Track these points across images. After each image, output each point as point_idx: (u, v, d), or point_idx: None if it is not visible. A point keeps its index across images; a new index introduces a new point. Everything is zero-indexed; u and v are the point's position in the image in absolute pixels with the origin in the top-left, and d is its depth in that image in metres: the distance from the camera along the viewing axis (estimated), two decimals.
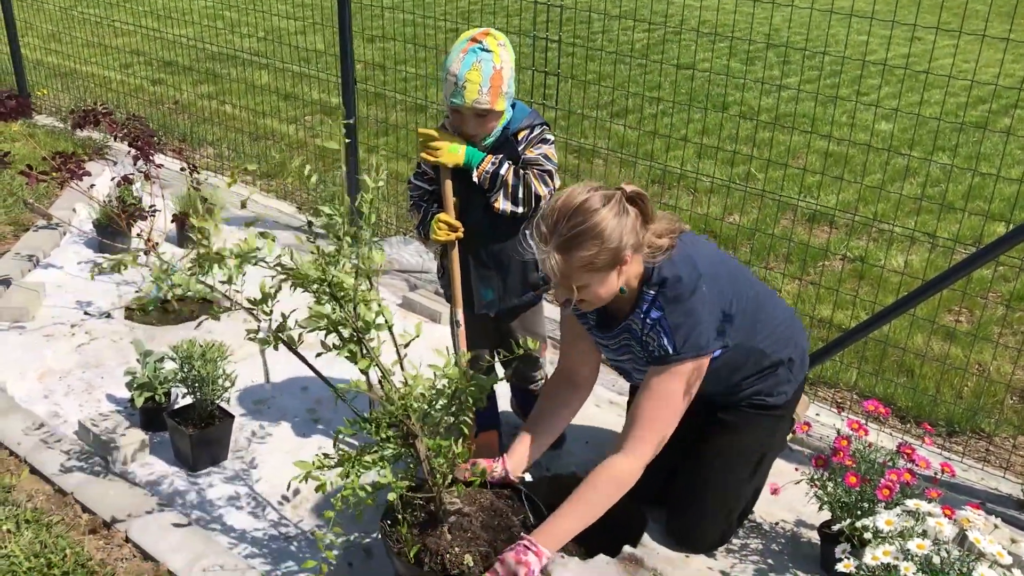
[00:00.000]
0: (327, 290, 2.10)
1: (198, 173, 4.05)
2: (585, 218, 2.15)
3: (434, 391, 2.31)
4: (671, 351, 2.28)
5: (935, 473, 2.43)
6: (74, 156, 3.82)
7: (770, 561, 2.68)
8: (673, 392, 2.32)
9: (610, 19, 9.11)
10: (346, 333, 2.15)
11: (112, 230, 4.21)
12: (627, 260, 2.23)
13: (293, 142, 6.19)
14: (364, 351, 2.13)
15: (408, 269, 4.27)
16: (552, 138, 2.79)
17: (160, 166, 4.11)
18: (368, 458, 2.14)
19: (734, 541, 2.75)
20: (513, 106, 2.77)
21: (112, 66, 7.43)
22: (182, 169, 4.12)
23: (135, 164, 3.99)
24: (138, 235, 4.04)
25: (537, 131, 2.77)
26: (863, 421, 2.52)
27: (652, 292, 2.31)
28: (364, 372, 2.17)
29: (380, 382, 2.22)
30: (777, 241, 4.71)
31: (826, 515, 2.60)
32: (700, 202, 5.43)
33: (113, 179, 4.13)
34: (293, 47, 6.35)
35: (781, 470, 3.03)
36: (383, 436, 2.18)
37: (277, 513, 2.78)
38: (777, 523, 2.84)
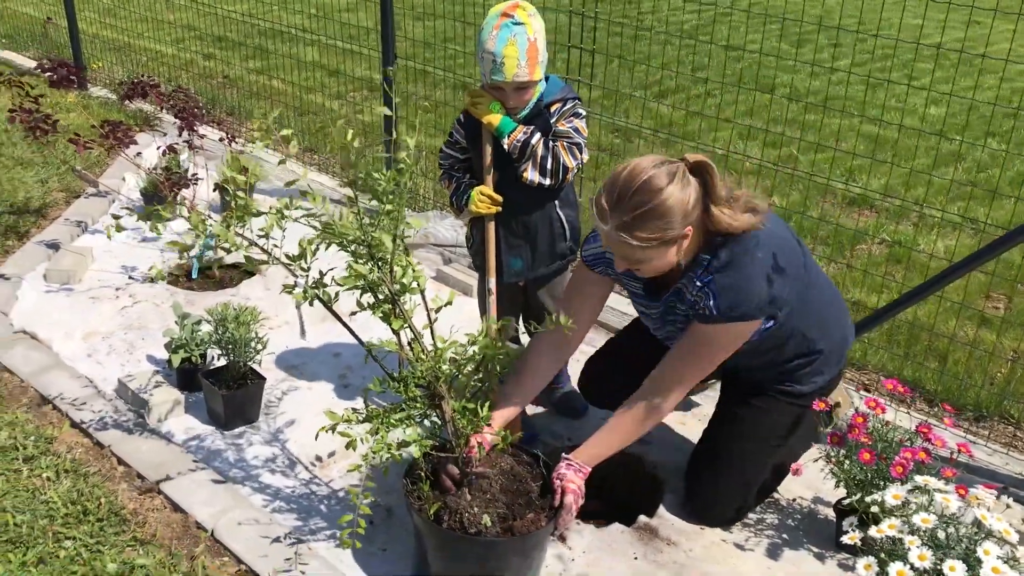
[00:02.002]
0: (365, 250, 2.16)
1: (236, 142, 4.14)
2: (650, 198, 2.12)
3: (464, 357, 2.37)
4: (716, 313, 2.29)
5: (951, 453, 2.43)
6: (121, 125, 3.94)
7: (785, 536, 2.70)
8: (709, 350, 2.38)
9: None
10: (381, 294, 2.21)
11: (158, 198, 4.33)
12: (688, 235, 2.22)
13: (337, 117, 6.27)
14: (398, 311, 2.19)
15: (443, 243, 4.33)
16: (584, 112, 2.83)
17: (203, 136, 4.22)
18: (396, 416, 2.21)
19: (750, 515, 2.78)
20: (546, 79, 2.81)
21: (165, 41, 7.58)
22: (221, 139, 4.22)
23: (180, 135, 4.10)
24: (181, 203, 4.16)
25: (569, 104, 2.80)
26: (882, 400, 2.52)
27: (708, 257, 2.31)
28: (396, 333, 2.23)
29: (410, 344, 2.29)
30: (815, 223, 4.68)
31: (843, 492, 2.61)
32: (739, 183, 5.40)
33: (158, 148, 4.25)
34: (342, 24, 6.43)
35: None
36: (411, 396, 2.24)
37: (308, 472, 2.87)
38: (795, 499, 2.85)
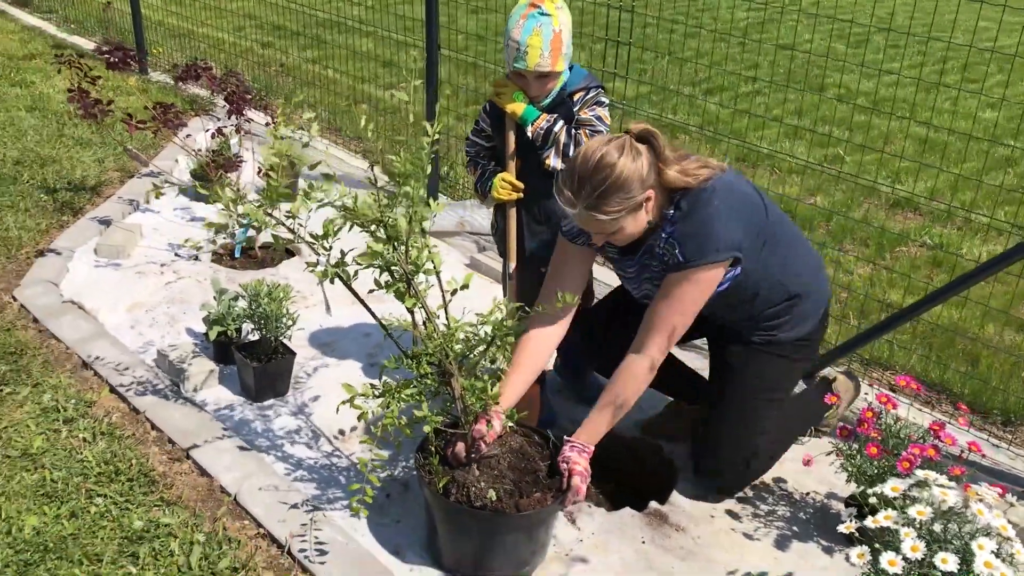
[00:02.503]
0: (382, 231, 2.24)
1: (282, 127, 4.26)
2: (607, 174, 2.27)
3: (476, 337, 2.44)
4: (682, 259, 2.41)
5: (961, 451, 2.42)
6: (173, 107, 4.09)
7: (795, 528, 2.72)
8: (684, 297, 2.45)
9: None
10: (397, 274, 2.29)
11: (207, 180, 4.47)
12: (651, 196, 2.38)
13: (387, 107, 6.39)
14: (411, 291, 2.27)
15: (479, 232, 4.40)
16: (607, 101, 2.87)
17: (251, 120, 4.35)
18: (407, 392, 2.28)
19: (761, 506, 2.80)
20: (570, 68, 2.86)
21: (226, 29, 7.78)
22: (267, 124, 4.35)
23: (229, 118, 4.24)
24: (228, 184, 4.29)
25: (592, 93, 2.85)
26: (894, 396, 2.52)
27: (671, 212, 2.44)
28: (410, 311, 2.31)
29: (424, 323, 2.36)
30: (856, 224, 4.65)
31: (855, 487, 2.62)
32: (783, 181, 5.38)
33: (206, 131, 4.39)
34: (398, 16, 6.54)
35: (815, 443, 3.05)
36: (422, 373, 2.32)
37: (330, 445, 2.97)
38: (808, 493, 2.86)
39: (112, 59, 4.22)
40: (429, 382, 2.32)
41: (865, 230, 4.61)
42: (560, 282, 2.64)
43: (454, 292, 2.38)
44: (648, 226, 2.46)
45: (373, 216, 2.21)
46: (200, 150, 4.47)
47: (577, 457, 2.40)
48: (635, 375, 2.49)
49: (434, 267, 2.32)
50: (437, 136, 2.38)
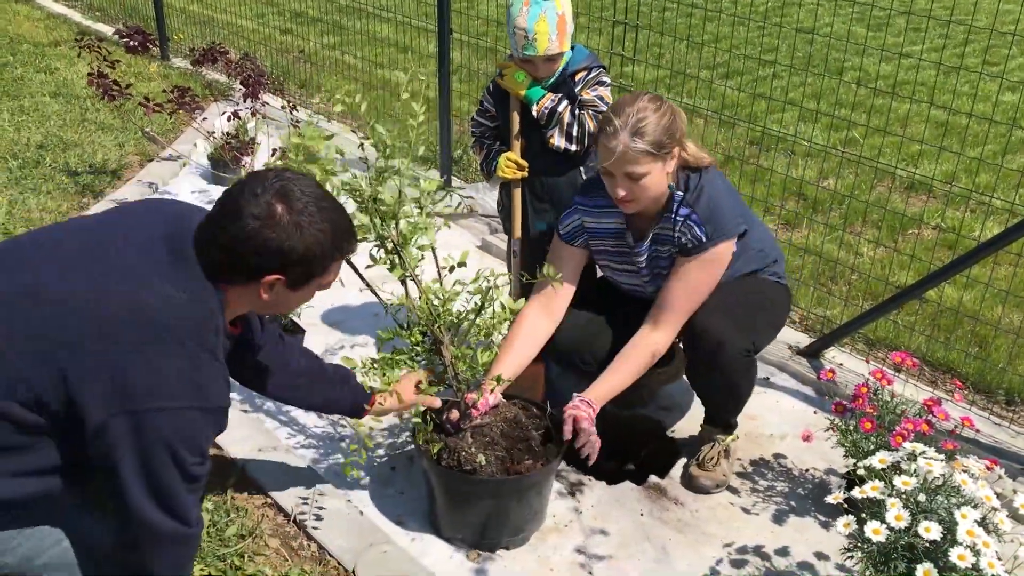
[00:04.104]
0: (372, 204, 2.31)
1: (296, 111, 4.33)
2: (655, 106, 2.42)
3: (467, 309, 2.51)
4: (705, 239, 2.51)
5: (955, 427, 2.44)
6: (190, 91, 4.16)
7: (792, 503, 2.75)
8: (703, 278, 2.57)
9: None
10: (388, 246, 2.36)
11: (224, 163, 4.56)
12: (675, 156, 2.48)
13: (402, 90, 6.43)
14: (401, 263, 2.33)
15: (491, 214, 4.44)
16: (608, 80, 2.91)
17: (266, 104, 4.42)
18: (399, 358, 2.35)
19: (760, 482, 2.83)
20: (572, 48, 2.90)
21: (246, 15, 7.86)
22: (283, 107, 4.42)
23: (244, 101, 4.31)
24: (243, 167, 4.37)
25: (594, 73, 2.89)
26: (888, 372, 2.55)
27: (681, 193, 2.53)
28: (401, 282, 2.37)
29: (419, 296, 2.43)
30: (870, 207, 4.64)
31: (852, 462, 2.65)
32: (796, 164, 5.38)
33: (223, 113, 4.47)
34: (419, 2, 6.58)
35: (814, 420, 3.09)
36: (414, 341, 2.38)
37: (337, 418, 3.03)
38: (807, 469, 2.90)
39: (131, 43, 4.30)
40: (420, 350, 2.38)
41: (878, 212, 4.60)
42: (550, 290, 2.71)
43: (451, 268, 2.45)
44: (654, 212, 2.55)
45: (364, 190, 2.28)
46: (216, 133, 4.55)
47: (584, 407, 2.46)
48: (648, 349, 2.59)
49: (429, 242, 2.38)
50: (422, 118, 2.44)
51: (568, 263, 2.74)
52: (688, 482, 2.81)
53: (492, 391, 2.47)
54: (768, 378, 3.35)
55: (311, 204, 1.85)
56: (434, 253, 2.48)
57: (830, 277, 4.04)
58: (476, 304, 2.45)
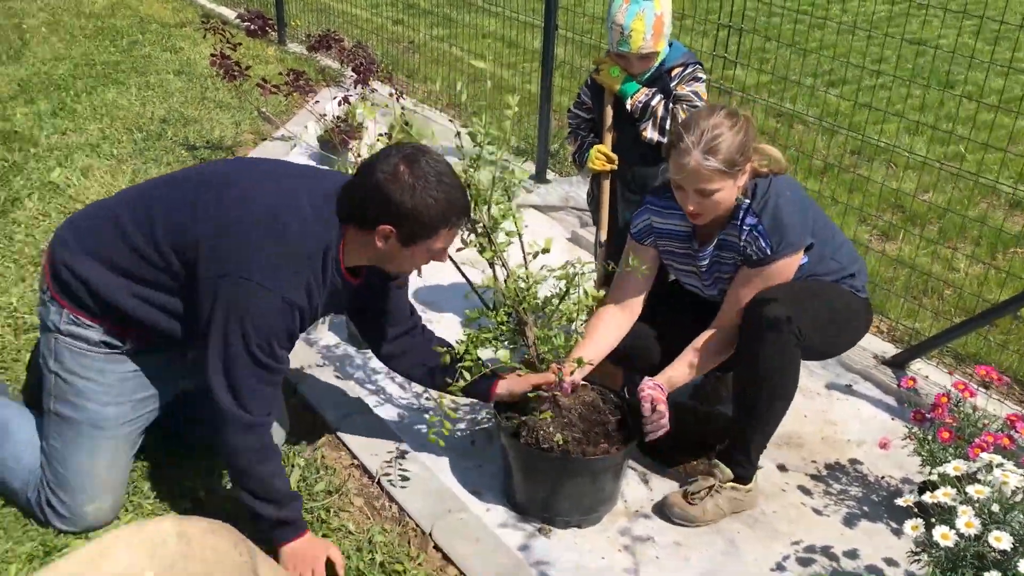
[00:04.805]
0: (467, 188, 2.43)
1: (403, 99, 4.50)
2: (728, 127, 2.42)
3: (552, 294, 2.61)
4: (770, 252, 2.53)
5: None
6: (304, 74, 4.37)
7: (865, 508, 2.76)
8: (764, 286, 2.57)
9: None
10: (480, 229, 2.48)
11: (333, 145, 4.77)
12: (746, 171, 2.49)
13: (507, 87, 6.57)
14: (491, 245, 2.45)
15: (583, 207, 4.53)
16: (704, 77, 2.98)
17: (374, 90, 4.60)
18: (485, 336, 2.47)
19: (834, 485, 2.85)
20: (670, 44, 2.97)
21: (361, 5, 8.12)
22: (390, 94, 4.60)
23: (355, 87, 4.50)
24: (350, 150, 4.56)
25: (690, 69, 2.95)
26: (972, 385, 2.54)
27: (747, 201, 2.55)
28: (490, 264, 2.49)
29: (506, 280, 2.54)
30: (970, 223, 4.56)
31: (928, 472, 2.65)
32: (896, 176, 5.30)
33: (334, 98, 4.67)
34: None
35: (894, 430, 3.08)
36: (500, 321, 2.50)
37: (422, 390, 3.17)
38: (883, 477, 2.90)
39: (252, 26, 4.54)
40: (504, 329, 2.49)
41: (979, 229, 4.52)
42: (626, 291, 2.79)
43: (535, 254, 2.55)
44: (722, 218, 2.57)
45: (461, 176, 2.40)
46: (327, 116, 4.76)
47: (658, 392, 2.53)
48: (714, 347, 2.65)
49: (515, 228, 2.48)
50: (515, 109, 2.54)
51: (641, 262, 2.78)
52: (663, 503, 2.71)
53: (573, 372, 2.56)
54: (851, 385, 3.35)
55: (432, 175, 2.15)
56: (520, 239, 2.58)
57: (923, 291, 3.99)
58: (561, 290, 2.54)
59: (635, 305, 2.79)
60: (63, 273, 2.34)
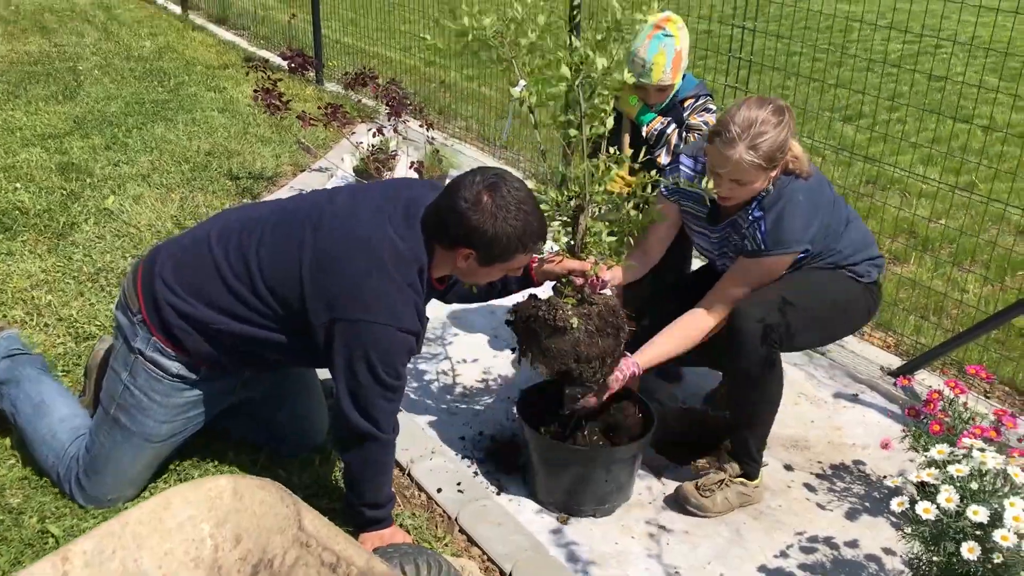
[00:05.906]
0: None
1: (433, 130, 4.78)
2: (777, 120, 2.53)
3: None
4: (763, 247, 2.70)
5: (1021, 438, 2.58)
6: (340, 108, 4.67)
7: (867, 504, 2.92)
8: (751, 277, 2.76)
9: (868, 27, 9.02)
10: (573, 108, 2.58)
11: (368, 174, 5.05)
12: (780, 166, 2.63)
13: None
14: (579, 123, 2.56)
15: None
16: (714, 108, 3.20)
17: (407, 123, 4.89)
18: (545, 208, 2.52)
19: (837, 483, 3.02)
20: (684, 77, 3.21)
21: (394, 47, 8.49)
22: (421, 125, 4.88)
23: (388, 120, 4.79)
24: (384, 179, 4.84)
25: (701, 100, 3.19)
26: (962, 382, 2.71)
27: (763, 194, 2.70)
28: (570, 141, 2.62)
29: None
30: (980, 247, 4.72)
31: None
32: (908, 204, 5.48)
33: (369, 130, 4.96)
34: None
35: (892, 429, 3.24)
36: (561, 199, 2.63)
37: (450, 396, 3.39)
38: (885, 476, 3.06)
39: (292, 64, 4.86)
40: (561, 207, 2.62)
41: (988, 252, 4.67)
42: (650, 242, 2.94)
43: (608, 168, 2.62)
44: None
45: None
46: (362, 144, 5.05)
47: (625, 368, 2.70)
48: (698, 324, 2.79)
49: (603, 120, 2.57)
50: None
51: (664, 216, 2.89)
52: (676, 493, 2.89)
53: (611, 268, 2.68)
54: (857, 395, 3.52)
55: (512, 203, 2.30)
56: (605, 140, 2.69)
57: (932, 310, 4.15)
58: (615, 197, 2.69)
59: (657, 255, 2.97)
60: (167, 312, 2.47)
